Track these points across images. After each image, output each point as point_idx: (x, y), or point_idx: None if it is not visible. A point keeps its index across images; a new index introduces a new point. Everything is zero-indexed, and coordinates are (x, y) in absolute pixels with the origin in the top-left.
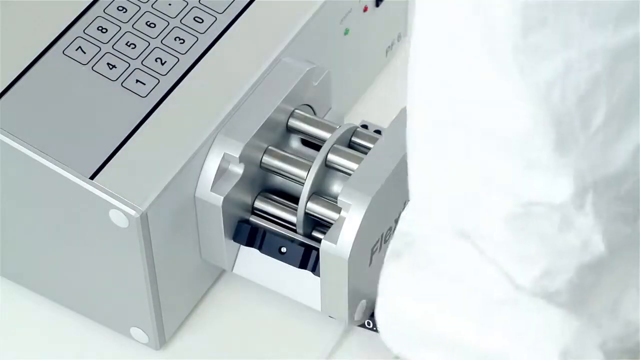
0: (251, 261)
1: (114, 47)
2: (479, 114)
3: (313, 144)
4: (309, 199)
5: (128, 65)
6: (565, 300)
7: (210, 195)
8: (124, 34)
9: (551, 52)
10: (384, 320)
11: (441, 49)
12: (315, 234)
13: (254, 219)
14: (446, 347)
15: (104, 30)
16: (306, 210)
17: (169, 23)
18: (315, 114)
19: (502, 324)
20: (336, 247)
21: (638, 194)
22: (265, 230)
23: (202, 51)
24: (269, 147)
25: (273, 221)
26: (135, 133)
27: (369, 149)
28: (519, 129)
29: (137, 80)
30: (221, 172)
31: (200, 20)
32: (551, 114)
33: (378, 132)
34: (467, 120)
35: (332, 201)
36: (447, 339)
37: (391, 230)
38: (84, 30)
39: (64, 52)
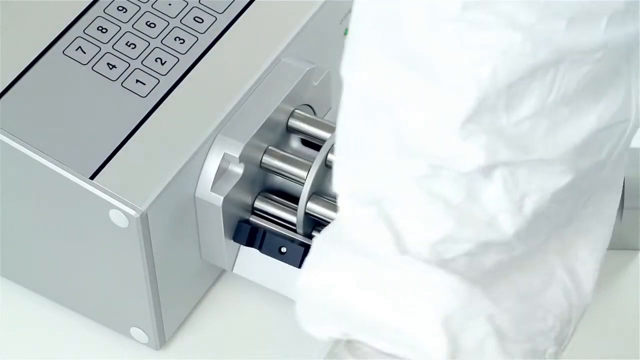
0: (251, 261)
1: (114, 47)
2: (405, 77)
3: (313, 144)
4: (309, 199)
5: (128, 65)
6: (461, 270)
7: (210, 195)
8: (124, 34)
9: (493, 27)
10: (300, 293)
11: (381, 18)
12: (315, 234)
13: (254, 219)
14: (345, 318)
15: (104, 30)
16: (306, 210)
17: (169, 23)
18: (315, 114)
19: (390, 291)
20: None
21: (574, 194)
22: (265, 230)
23: (202, 51)
24: (269, 147)
25: (273, 221)
26: (135, 133)
27: None
28: (440, 91)
29: (137, 80)
30: (221, 172)
31: (200, 20)
32: (478, 85)
33: None
34: (392, 84)
35: (332, 201)
36: (345, 310)
37: None
38: (84, 30)
39: (64, 52)
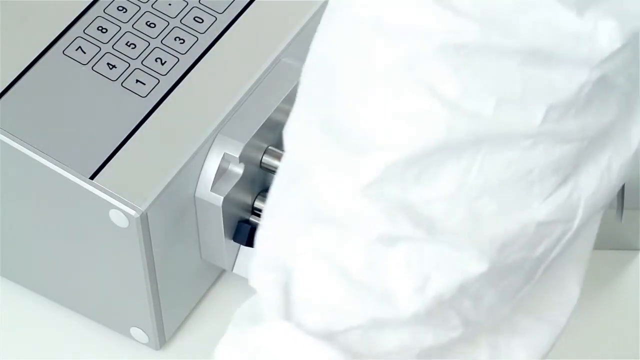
0: (251, 261)
1: (114, 47)
2: (323, 141)
3: None
4: None
5: (128, 65)
6: (352, 346)
7: (210, 195)
8: (124, 34)
9: (412, 92)
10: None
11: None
12: None
13: (254, 219)
14: None
15: (104, 30)
16: None
17: (169, 23)
18: None
19: None
20: None
21: (493, 290)
22: None
23: (202, 51)
24: (269, 147)
25: None
26: (135, 133)
27: None
28: (350, 155)
29: (137, 80)
30: (221, 172)
31: (200, 20)
32: (385, 149)
33: None
34: (311, 147)
35: None
36: None
37: None
38: (84, 30)
39: (64, 52)
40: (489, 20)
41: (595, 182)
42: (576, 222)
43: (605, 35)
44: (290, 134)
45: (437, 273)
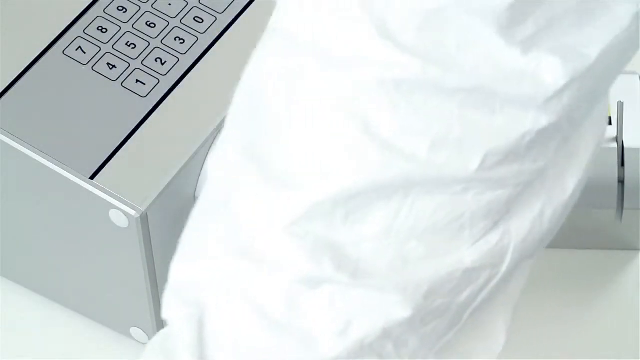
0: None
1: (114, 47)
2: (248, 170)
3: None
4: None
5: (128, 65)
6: None
7: None
8: (124, 34)
9: (344, 132)
10: None
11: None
12: None
13: None
14: None
15: (104, 30)
16: None
17: (169, 23)
18: None
19: None
20: None
21: (417, 335)
22: None
23: (202, 51)
24: None
25: None
26: (135, 133)
27: None
28: (276, 189)
29: (137, 80)
30: None
31: (200, 20)
32: (310, 188)
33: None
34: (236, 176)
35: None
36: None
37: None
38: (84, 30)
39: (64, 52)
40: (432, 56)
41: (526, 228)
42: (503, 268)
43: (548, 72)
44: (215, 158)
45: (359, 317)
